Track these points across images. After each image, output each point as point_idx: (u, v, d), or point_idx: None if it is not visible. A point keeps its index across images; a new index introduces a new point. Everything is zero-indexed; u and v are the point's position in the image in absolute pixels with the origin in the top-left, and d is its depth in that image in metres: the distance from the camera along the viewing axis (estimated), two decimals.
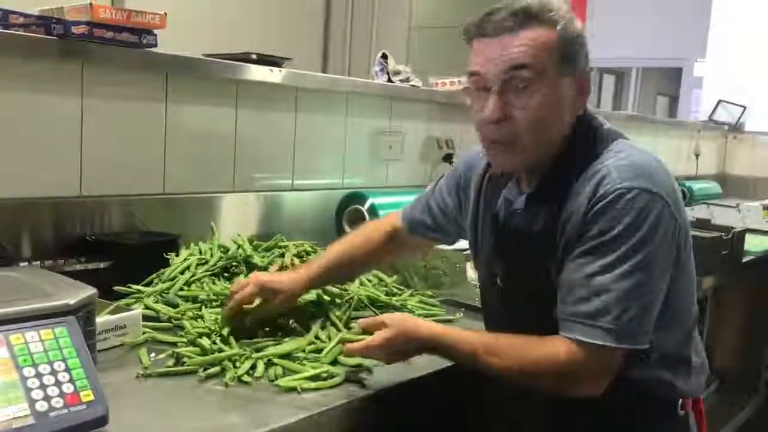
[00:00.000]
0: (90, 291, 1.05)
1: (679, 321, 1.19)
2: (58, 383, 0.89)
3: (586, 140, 1.18)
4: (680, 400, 1.24)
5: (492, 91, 1.13)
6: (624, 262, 1.07)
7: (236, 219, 1.92)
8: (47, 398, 0.87)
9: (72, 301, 0.98)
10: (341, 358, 1.24)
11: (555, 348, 1.09)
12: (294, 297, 1.39)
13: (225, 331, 1.28)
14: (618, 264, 1.08)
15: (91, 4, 1.45)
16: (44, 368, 0.90)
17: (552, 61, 1.13)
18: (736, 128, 4.56)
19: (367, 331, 1.20)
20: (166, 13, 1.57)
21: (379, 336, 1.16)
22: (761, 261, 2.89)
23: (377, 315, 1.29)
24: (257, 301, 1.34)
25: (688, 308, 1.22)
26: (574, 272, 1.11)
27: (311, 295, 1.48)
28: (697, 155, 4.23)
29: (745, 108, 4.45)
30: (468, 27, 1.18)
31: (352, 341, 1.22)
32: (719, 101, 4.45)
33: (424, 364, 1.25)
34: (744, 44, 4.60)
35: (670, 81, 7.65)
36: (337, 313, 1.41)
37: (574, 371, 1.09)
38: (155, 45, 1.60)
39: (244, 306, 1.34)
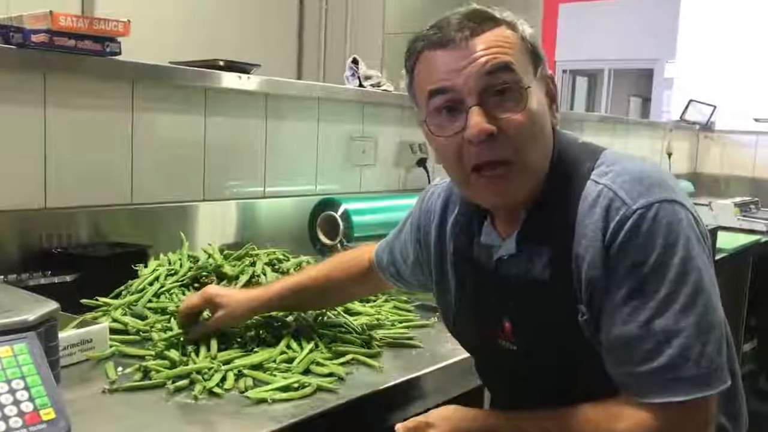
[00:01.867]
0: (52, 306, 1.02)
1: (726, 344, 1.00)
2: (16, 402, 0.87)
3: (568, 159, 1.02)
4: None
5: (469, 105, 0.95)
6: (678, 291, 0.91)
7: (208, 228, 1.90)
8: (5, 418, 0.85)
9: (32, 317, 0.96)
10: (313, 368, 1.22)
11: (638, 419, 0.92)
12: (233, 316, 1.29)
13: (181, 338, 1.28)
14: (673, 297, 0.90)
15: (51, 11, 1.42)
16: (2, 387, 0.87)
17: (527, 60, 0.98)
18: (707, 127, 4.61)
19: None
20: (129, 21, 1.55)
21: None
22: (733, 258, 2.92)
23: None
24: (206, 313, 1.32)
25: (727, 328, 1.03)
26: (624, 324, 0.92)
27: None
28: (669, 154, 4.27)
29: (715, 107, 4.51)
30: (416, 41, 1.01)
31: None
32: (690, 101, 4.50)
33: (397, 374, 1.24)
34: (713, 45, 4.67)
35: (642, 82, 7.74)
36: (309, 321, 1.39)
37: None
38: (119, 53, 1.58)
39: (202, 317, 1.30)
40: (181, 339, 1.28)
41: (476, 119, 0.94)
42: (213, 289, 1.34)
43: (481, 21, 0.97)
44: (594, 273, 0.95)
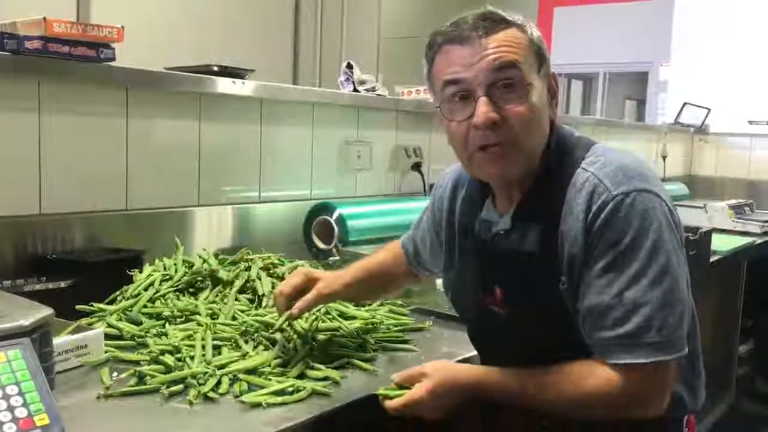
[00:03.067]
0: (46, 311, 1.03)
1: (688, 324, 1.13)
2: (10, 408, 0.87)
3: (563, 150, 1.15)
4: (685, 418, 1.18)
5: (478, 95, 1.08)
6: (648, 269, 1.03)
7: (203, 233, 1.90)
8: None
9: (26, 323, 0.96)
10: (308, 372, 1.22)
11: (606, 377, 1.04)
12: (330, 291, 1.34)
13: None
14: (643, 273, 1.03)
15: (44, 18, 1.42)
16: None
17: (533, 59, 1.11)
18: (702, 130, 4.63)
19: (405, 385, 1.13)
20: (123, 27, 1.55)
21: (421, 388, 1.10)
22: (728, 260, 2.93)
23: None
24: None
25: (692, 310, 1.15)
26: (599, 294, 1.05)
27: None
28: (664, 157, 4.29)
29: (709, 110, 4.53)
30: (436, 36, 1.14)
31: (389, 397, 1.12)
32: (684, 104, 4.51)
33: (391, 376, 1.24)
34: (706, 48, 4.68)
35: (637, 85, 7.76)
36: (304, 326, 1.39)
37: (631, 397, 1.04)
38: (113, 59, 1.58)
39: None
40: (281, 321, 1.31)
41: (483, 108, 1.08)
42: (306, 268, 1.43)
43: (495, 22, 1.10)
44: (575, 248, 1.07)
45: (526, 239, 1.14)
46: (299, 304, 1.30)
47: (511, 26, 1.11)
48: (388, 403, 1.12)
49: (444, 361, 1.24)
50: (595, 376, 1.05)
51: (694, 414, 1.21)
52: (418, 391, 1.10)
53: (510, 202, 1.18)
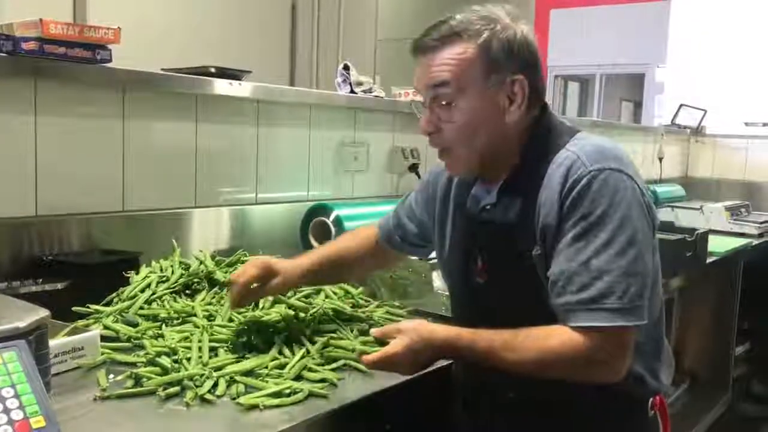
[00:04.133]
0: (42, 313, 1.02)
1: (653, 302, 1.18)
2: (6, 410, 0.86)
3: (548, 134, 1.22)
4: (650, 399, 1.24)
5: (424, 105, 1.22)
6: (614, 240, 1.09)
7: (200, 235, 1.90)
8: None
9: (22, 324, 0.95)
10: (305, 373, 1.22)
11: (569, 337, 1.10)
12: (291, 281, 1.42)
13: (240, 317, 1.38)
14: (610, 243, 1.10)
15: (41, 19, 1.42)
16: None
17: (475, 75, 1.18)
18: (698, 131, 4.64)
19: (380, 341, 1.19)
20: (120, 28, 1.55)
21: (397, 344, 1.15)
22: (725, 261, 2.93)
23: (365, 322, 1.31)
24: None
25: (658, 291, 1.22)
26: (568, 261, 1.12)
27: (275, 310, 1.46)
28: (660, 159, 4.29)
29: (705, 111, 4.54)
30: (411, 45, 1.24)
31: (366, 353, 1.19)
32: (681, 105, 4.52)
33: (388, 379, 1.23)
34: (702, 49, 4.69)
35: (633, 86, 7.78)
36: (301, 327, 1.39)
37: (590, 359, 1.09)
38: (110, 60, 1.58)
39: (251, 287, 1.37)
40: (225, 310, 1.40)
41: (423, 119, 1.24)
42: (264, 258, 1.45)
43: (446, 37, 1.19)
44: (549, 217, 1.15)
45: (508, 211, 1.21)
46: (251, 298, 1.39)
47: (459, 41, 1.18)
48: (365, 358, 1.16)
49: (419, 320, 1.30)
50: (558, 336, 1.10)
51: (660, 394, 1.27)
52: (393, 346, 1.15)
53: (497, 180, 1.26)
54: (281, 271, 1.40)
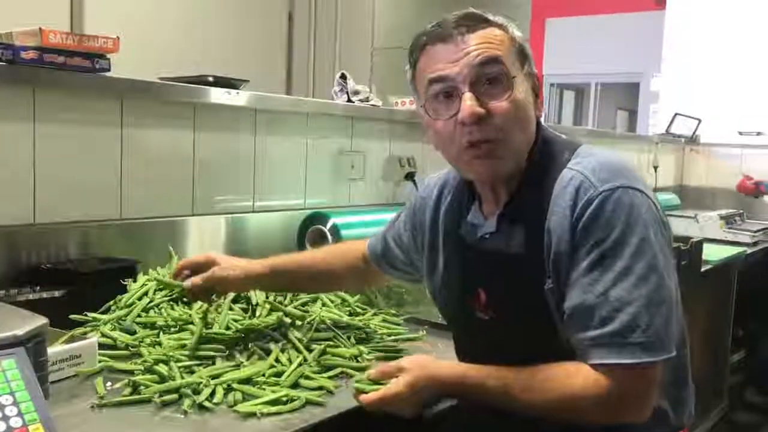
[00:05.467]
0: (40, 321, 1.03)
1: (675, 326, 1.09)
2: (5, 417, 0.87)
3: (548, 151, 1.14)
4: None
5: (462, 91, 1.08)
6: (634, 266, 1.01)
7: (197, 242, 1.90)
8: None
9: (20, 332, 0.96)
10: (302, 381, 1.23)
11: (594, 378, 1.01)
12: (227, 277, 1.38)
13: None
14: (628, 271, 1.01)
15: (40, 28, 1.43)
16: None
17: (514, 56, 1.12)
18: (693, 140, 4.66)
19: (381, 380, 1.10)
20: (118, 37, 1.56)
21: (399, 383, 1.08)
22: (719, 270, 2.95)
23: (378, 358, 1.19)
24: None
25: (678, 313, 1.12)
26: (584, 293, 1.03)
27: (272, 318, 1.46)
28: (655, 167, 4.31)
29: (700, 121, 4.56)
30: (419, 37, 1.15)
31: (364, 391, 1.10)
32: (675, 114, 4.55)
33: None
34: (697, 59, 4.72)
35: (628, 95, 7.82)
36: (298, 335, 1.40)
37: (617, 398, 1.00)
38: (108, 69, 1.59)
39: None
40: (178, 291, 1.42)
41: (468, 103, 1.07)
42: (214, 254, 1.44)
43: (476, 21, 1.11)
44: (561, 245, 1.06)
45: (512, 241, 1.12)
46: (194, 279, 1.37)
47: (492, 25, 1.12)
48: (364, 398, 1.09)
49: (423, 355, 1.23)
50: (581, 377, 1.02)
51: (684, 431, 1.18)
52: (395, 385, 1.08)
53: (496, 204, 1.17)
54: (222, 263, 1.39)
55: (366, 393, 1.10)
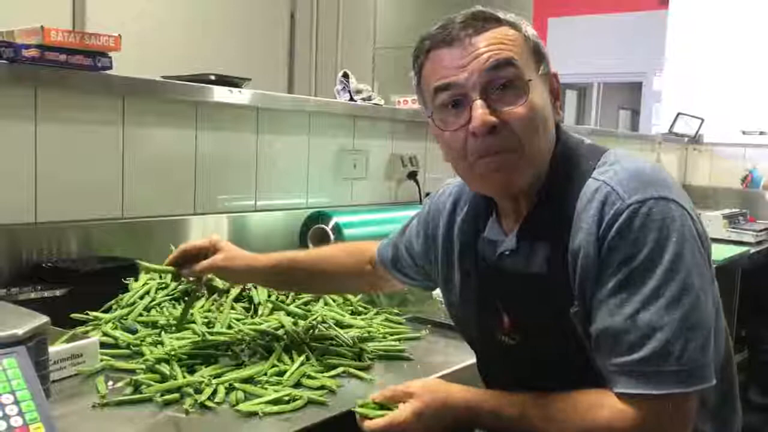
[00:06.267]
0: (41, 320, 1.02)
1: (719, 351, 1.01)
2: (6, 417, 0.86)
3: (572, 159, 1.04)
4: None
5: (473, 99, 0.98)
6: (665, 287, 0.91)
7: None
8: None
9: (21, 331, 0.96)
10: (304, 381, 1.22)
11: (620, 410, 0.92)
12: (230, 266, 1.32)
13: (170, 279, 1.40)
14: (659, 292, 0.91)
15: (42, 27, 1.43)
16: None
17: (528, 57, 1.02)
18: (695, 140, 4.65)
19: (387, 405, 1.03)
20: (120, 35, 1.56)
21: (406, 410, 1.01)
22: (723, 269, 2.94)
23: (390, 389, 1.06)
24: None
25: (725, 336, 1.04)
26: (611, 316, 0.93)
27: (274, 317, 1.46)
28: None
29: (702, 120, 4.55)
30: (423, 40, 1.04)
31: (368, 417, 1.03)
32: (678, 114, 4.54)
33: (388, 384, 1.23)
34: (699, 58, 4.71)
35: (631, 95, 7.81)
36: (300, 335, 1.39)
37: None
38: (110, 68, 1.58)
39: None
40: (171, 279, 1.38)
41: (480, 111, 0.97)
42: (216, 237, 1.36)
43: (484, 20, 1.01)
44: (587, 264, 0.96)
45: (533, 259, 1.02)
46: (196, 266, 1.30)
47: (503, 24, 1.02)
48: (368, 424, 1.02)
49: (434, 379, 1.14)
50: (607, 408, 0.93)
51: None
52: (402, 412, 1.01)
53: (516, 218, 1.07)
54: (225, 250, 1.31)
55: (370, 419, 1.04)
